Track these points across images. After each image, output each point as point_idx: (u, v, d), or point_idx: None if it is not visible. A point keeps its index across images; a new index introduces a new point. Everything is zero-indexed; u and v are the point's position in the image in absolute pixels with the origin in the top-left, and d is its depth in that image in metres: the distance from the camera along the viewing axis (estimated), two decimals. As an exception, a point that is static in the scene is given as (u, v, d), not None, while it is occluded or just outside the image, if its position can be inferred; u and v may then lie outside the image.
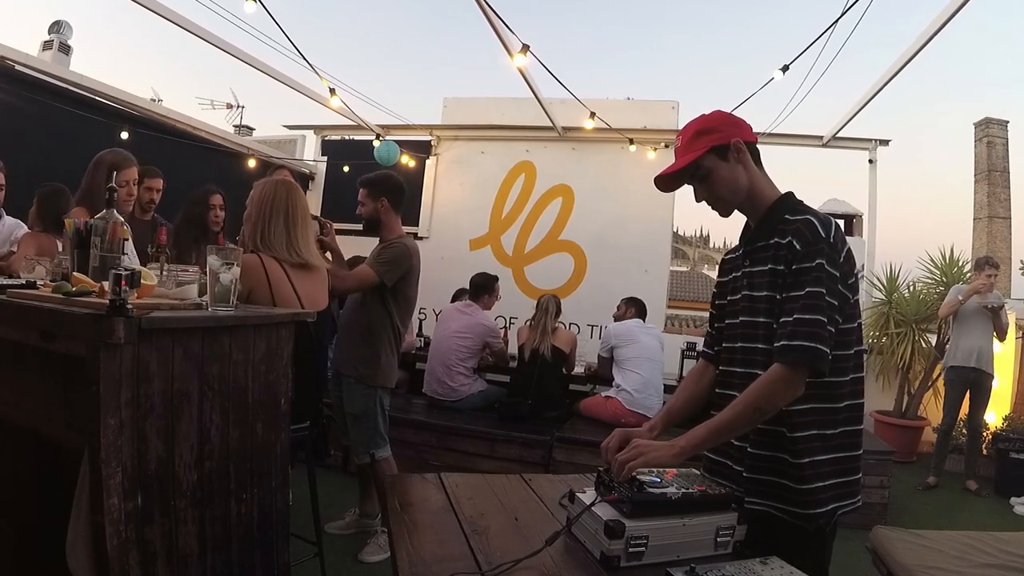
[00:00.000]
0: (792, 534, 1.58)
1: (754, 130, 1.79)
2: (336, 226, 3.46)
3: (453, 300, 5.77)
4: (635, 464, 1.50)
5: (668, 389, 5.05)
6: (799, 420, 1.60)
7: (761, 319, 1.67)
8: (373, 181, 3.54)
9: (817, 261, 1.55)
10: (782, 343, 1.53)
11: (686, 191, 1.83)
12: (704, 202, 1.77)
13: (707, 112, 1.80)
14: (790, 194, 1.75)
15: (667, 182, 1.80)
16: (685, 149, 1.73)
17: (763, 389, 1.53)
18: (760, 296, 1.68)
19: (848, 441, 1.65)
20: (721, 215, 1.78)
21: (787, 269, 1.60)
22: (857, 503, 1.68)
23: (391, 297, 3.47)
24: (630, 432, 1.78)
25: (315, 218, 3.23)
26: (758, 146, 1.78)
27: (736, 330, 1.77)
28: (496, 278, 5.43)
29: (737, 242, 1.87)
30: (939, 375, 6.05)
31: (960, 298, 5.36)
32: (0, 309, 1.76)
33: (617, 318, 5.31)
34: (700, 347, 5.59)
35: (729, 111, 1.82)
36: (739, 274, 1.78)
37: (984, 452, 5.71)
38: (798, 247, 1.58)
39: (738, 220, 1.83)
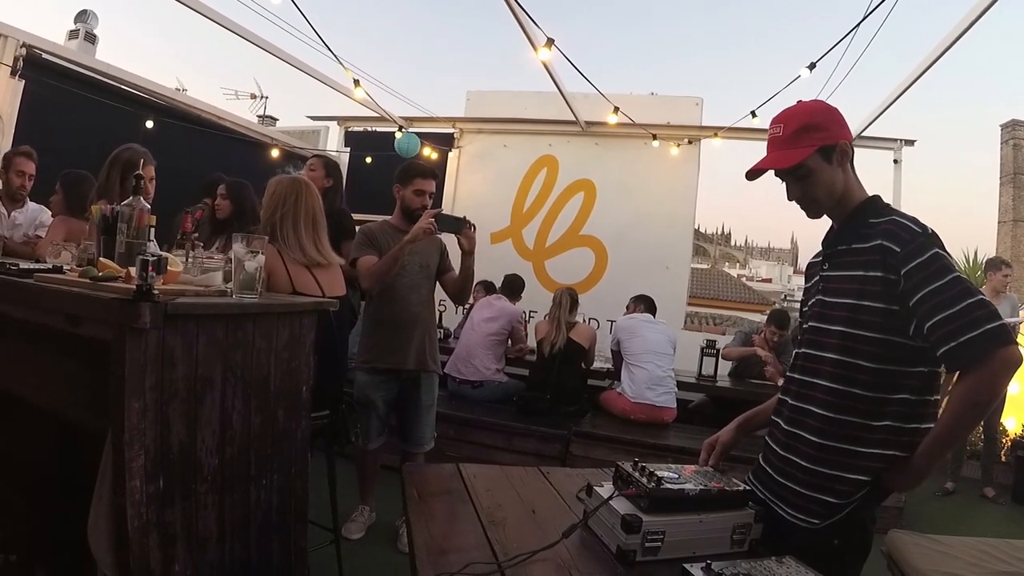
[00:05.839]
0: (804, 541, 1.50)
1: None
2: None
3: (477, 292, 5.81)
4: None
5: (684, 386, 5.07)
6: (828, 429, 1.54)
7: (833, 326, 1.56)
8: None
9: (930, 252, 1.42)
10: (950, 346, 1.38)
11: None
12: (794, 201, 1.65)
13: (806, 100, 1.66)
14: (876, 197, 1.63)
15: (754, 172, 1.66)
16: (788, 143, 1.59)
17: (980, 388, 1.43)
18: (835, 303, 1.57)
19: (875, 465, 1.51)
20: (810, 216, 1.66)
21: (896, 277, 1.45)
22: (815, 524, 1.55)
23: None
24: (713, 440, 1.81)
25: (463, 218, 3.23)
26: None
27: (804, 335, 1.69)
28: (523, 284, 5.80)
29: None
30: (957, 379, 5.97)
31: None
32: (27, 293, 1.79)
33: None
34: (719, 345, 5.60)
35: (827, 102, 1.67)
36: (817, 278, 1.69)
37: (1003, 459, 5.65)
38: (897, 249, 1.45)
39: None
